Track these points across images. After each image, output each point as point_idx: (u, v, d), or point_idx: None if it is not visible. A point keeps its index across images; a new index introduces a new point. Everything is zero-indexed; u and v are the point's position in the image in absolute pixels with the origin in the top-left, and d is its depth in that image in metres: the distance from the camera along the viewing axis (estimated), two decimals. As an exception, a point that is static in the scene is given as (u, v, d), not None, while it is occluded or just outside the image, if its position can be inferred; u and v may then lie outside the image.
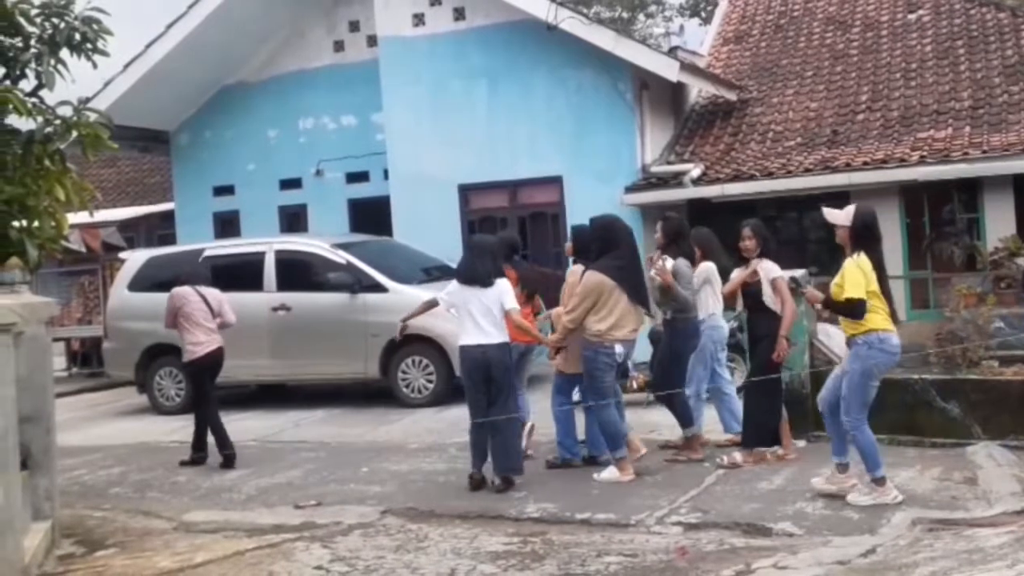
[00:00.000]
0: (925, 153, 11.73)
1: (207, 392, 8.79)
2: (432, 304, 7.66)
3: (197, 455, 8.72)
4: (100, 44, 6.74)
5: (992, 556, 4.66)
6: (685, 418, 7.66)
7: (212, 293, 8.94)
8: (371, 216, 14.30)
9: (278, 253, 11.61)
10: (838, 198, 12.39)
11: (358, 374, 11.23)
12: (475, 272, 7.22)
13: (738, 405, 7.96)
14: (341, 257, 11.25)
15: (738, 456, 7.31)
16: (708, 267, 7.86)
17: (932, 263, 12.15)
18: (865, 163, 11.90)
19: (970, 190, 11.95)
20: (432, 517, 6.55)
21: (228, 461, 8.53)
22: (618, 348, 7.08)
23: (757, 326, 7.37)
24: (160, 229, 17.27)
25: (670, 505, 6.37)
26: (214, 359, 8.75)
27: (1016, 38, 13.66)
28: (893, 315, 6.17)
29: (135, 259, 12.53)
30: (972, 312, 9.98)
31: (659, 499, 6.52)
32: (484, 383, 7.11)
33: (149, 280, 12.03)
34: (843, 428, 6.21)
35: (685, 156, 13.46)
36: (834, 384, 6.35)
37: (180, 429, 10.61)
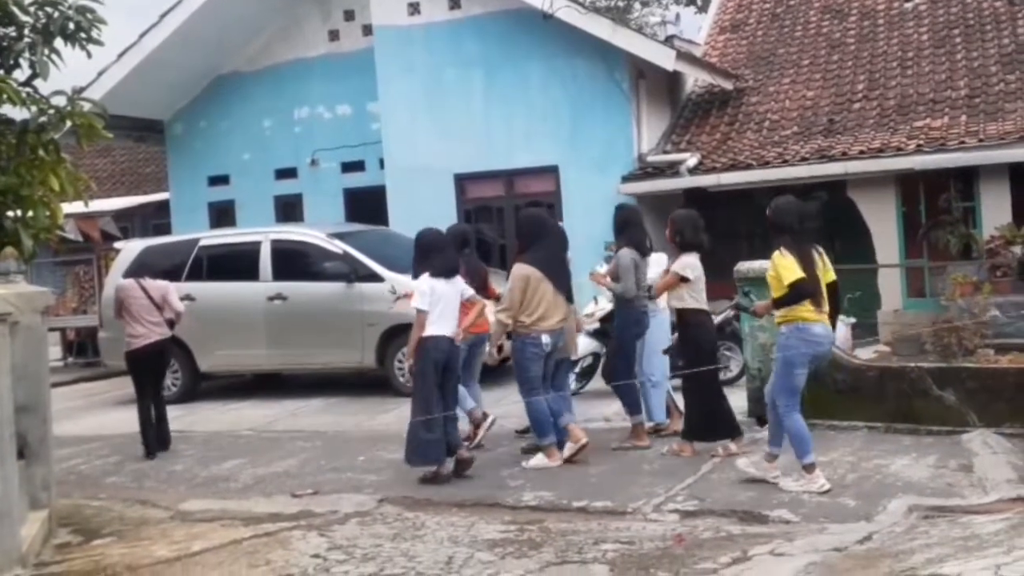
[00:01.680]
0: (921, 142, 11.72)
1: (143, 384, 8.85)
2: (424, 315, 7.23)
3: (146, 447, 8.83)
4: (94, 33, 6.70)
5: (988, 543, 4.67)
6: (631, 406, 7.79)
7: (156, 286, 9.01)
8: (367, 206, 14.28)
9: (274, 243, 11.59)
10: (834, 187, 12.46)
11: (354, 363, 11.23)
12: (451, 264, 7.34)
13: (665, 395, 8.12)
14: (337, 247, 11.24)
15: (675, 446, 7.42)
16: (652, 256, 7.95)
17: (928, 252, 12.16)
18: (861, 152, 11.90)
19: (966, 179, 11.95)
20: (429, 505, 6.57)
21: (148, 453, 8.70)
22: (545, 339, 7.24)
23: (684, 319, 7.41)
24: (155, 219, 17.24)
25: (667, 493, 6.38)
26: (151, 351, 8.80)
27: (1013, 27, 13.64)
28: (820, 303, 6.23)
29: (131, 249, 12.48)
30: (968, 301, 9.99)
31: (656, 487, 6.53)
32: (441, 374, 7.18)
33: (144, 270, 11.98)
34: (778, 419, 6.33)
35: (681, 145, 13.44)
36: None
37: (176, 418, 10.59)
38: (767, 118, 13.69)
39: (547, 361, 7.43)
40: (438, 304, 7.16)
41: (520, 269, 7.29)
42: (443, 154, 13.59)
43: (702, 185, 12.52)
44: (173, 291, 9.17)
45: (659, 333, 7.96)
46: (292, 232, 12.02)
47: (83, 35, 6.66)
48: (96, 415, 11.36)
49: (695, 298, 7.31)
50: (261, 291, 11.39)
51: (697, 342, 7.36)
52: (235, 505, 6.98)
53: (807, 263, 6.21)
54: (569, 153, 13.17)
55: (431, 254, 7.36)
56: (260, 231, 12.05)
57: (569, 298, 7.49)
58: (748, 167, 12.31)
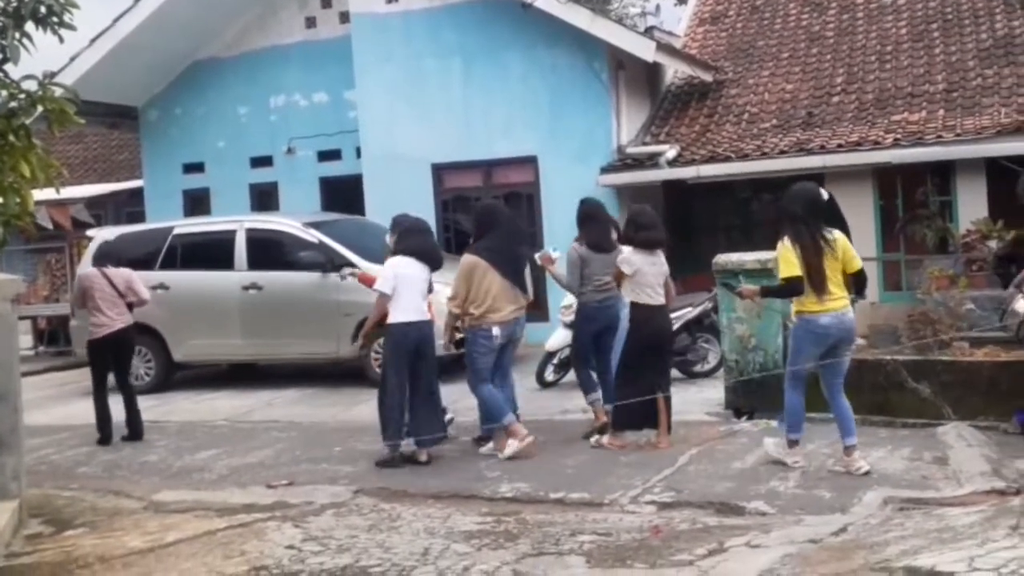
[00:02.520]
0: (899, 136, 11.79)
1: (103, 373, 8.86)
2: (386, 298, 7.26)
3: (101, 434, 8.86)
4: (66, 17, 6.57)
5: (962, 535, 4.69)
6: (586, 390, 7.90)
7: (120, 274, 8.97)
8: (343, 195, 14.20)
9: (249, 232, 11.49)
10: (812, 180, 12.46)
11: (330, 354, 11.16)
12: (431, 249, 7.37)
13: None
14: (313, 236, 11.15)
15: (604, 439, 7.45)
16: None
17: (905, 245, 12.23)
18: (840, 145, 11.95)
19: (943, 173, 12.03)
20: (405, 497, 6.53)
21: (104, 440, 8.76)
22: (495, 330, 7.28)
23: (631, 313, 7.45)
24: (128, 206, 17.07)
25: (644, 484, 6.38)
26: (115, 339, 8.81)
27: (991, 22, 13.72)
28: (821, 292, 6.21)
29: (103, 237, 12.34)
30: (944, 294, 10.05)
31: (633, 478, 6.52)
32: (413, 360, 7.19)
33: (108, 259, 11.84)
34: (845, 409, 6.39)
35: (661, 137, 13.45)
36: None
37: (149, 408, 10.49)
38: (746, 111, 13.71)
39: (505, 351, 7.49)
40: (404, 289, 7.13)
41: (467, 259, 7.34)
42: (420, 143, 13.52)
43: (681, 177, 12.53)
44: (137, 279, 9.13)
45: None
46: (267, 221, 11.93)
47: (55, 19, 6.53)
48: (67, 404, 11.23)
49: (636, 292, 7.31)
50: (236, 280, 11.30)
51: (635, 336, 7.37)
52: (209, 496, 6.92)
53: (809, 254, 6.17)
54: (548, 143, 13.14)
55: (409, 235, 7.36)
56: (235, 220, 11.95)
57: (523, 288, 7.49)
58: (727, 159, 12.33)
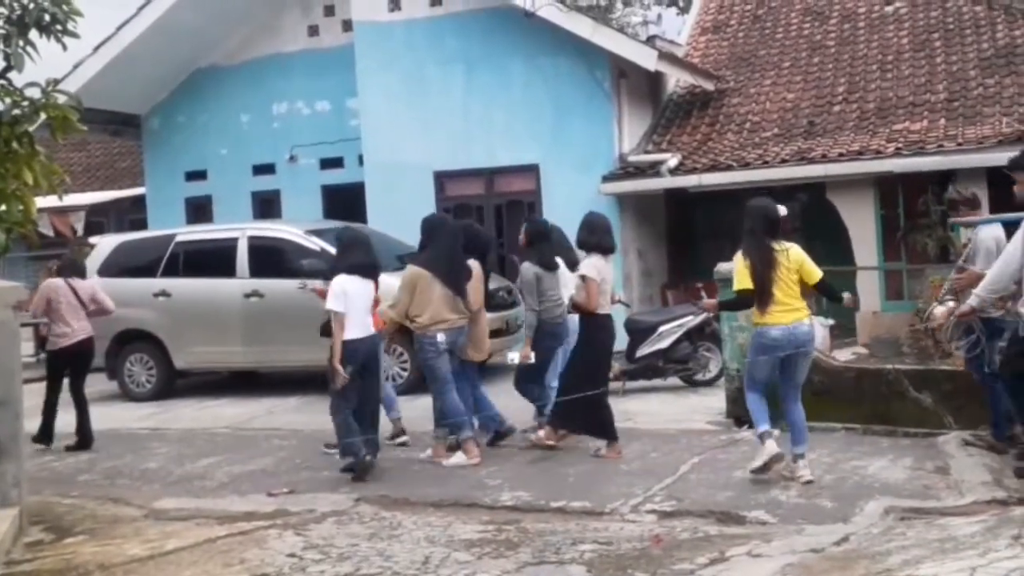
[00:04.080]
0: (900, 145, 11.78)
1: (59, 381, 9.02)
2: (340, 316, 7.30)
3: (78, 442, 9.01)
4: (70, 25, 6.60)
5: (964, 545, 4.68)
6: (539, 409, 7.98)
7: (84, 286, 9.15)
8: (345, 203, 14.19)
9: (251, 239, 11.49)
10: (814, 189, 12.50)
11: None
12: (371, 263, 7.50)
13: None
14: (315, 244, 11.15)
15: (542, 433, 7.65)
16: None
17: (906, 254, 12.23)
18: (841, 154, 11.95)
19: (944, 182, 12.01)
20: (406, 505, 6.52)
21: (45, 440, 8.90)
22: (440, 337, 7.48)
23: (584, 320, 7.57)
24: (131, 214, 17.08)
25: (645, 493, 6.37)
26: (76, 350, 8.98)
27: (992, 31, 13.74)
28: (768, 304, 6.33)
29: (105, 244, 12.37)
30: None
31: (634, 487, 6.52)
32: (361, 374, 7.30)
33: (119, 266, 11.91)
34: (799, 417, 6.52)
35: (662, 146, 13.45)
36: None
37: (151, 416, 10.54)
38: (748, 119, 13.72)
39: (451, 360, 7.62)
40: (351, 305, 7.23)
41: (410, 270, 7.59)
42: (423, 151, 13.54)
43: (683, 186, 12.54)
44: (100, 290, 9.36)
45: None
46: (269, 228, 11.92)
47: (59, 27, 6.56)
48: (68, 412, 11.11)
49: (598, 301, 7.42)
50: (238, 288, 11.30)
51: (591, 343, 7.51)
52: (210, 504, 6.91)
53: (758, 268, 6.32)
54: (550, 152, 13.15)
55: (349, 251, 7.51)
56: (237, 227, 11.96)
57: (463, 297, 7.63)
58: (729, 168, 12.33)
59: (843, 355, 9.65)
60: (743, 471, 6.74)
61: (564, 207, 12.81)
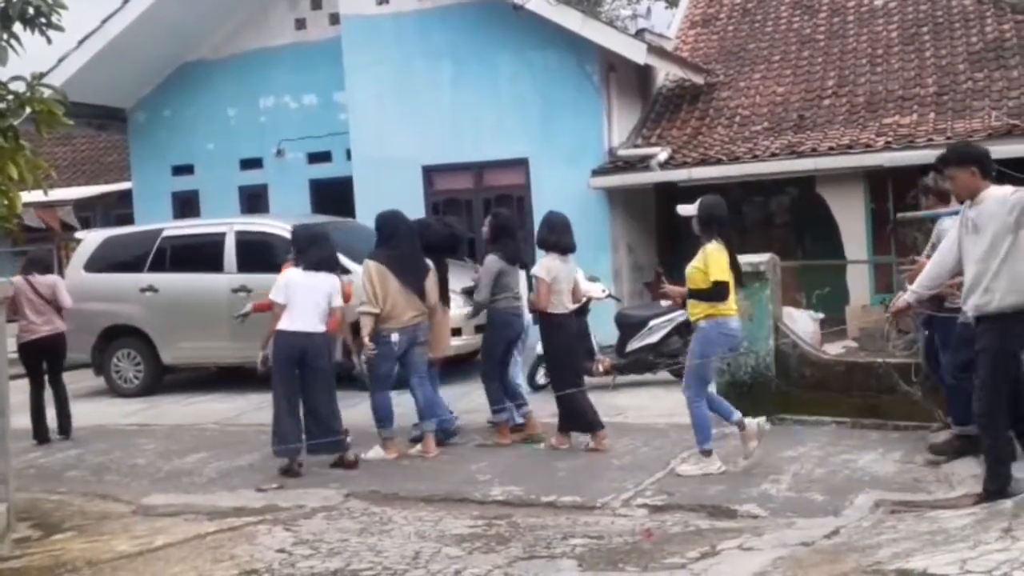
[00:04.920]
0: (890, 139, 11.80)
1: (36, 375, 9.15)
2: (280, 307, 7.41)
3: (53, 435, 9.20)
4: (54, 18, 6.53)
5: (954, 537, 4.69)
6: (495, 406, 7.99)
7: (44, 281, 9.23)
8: (333, 197, 14.15)
9: (238, 234, 11.43)
10: (803, 183, 12.51)
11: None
12: (329, 258, 7.57)
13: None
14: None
15: (554, 440, 7.63)
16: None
17: (896, 248, 12.24)
18: (831, 148, 11.95)
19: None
20: (396, 500, 6.51)
21: (39, 441, 9.04)
22: (395, 337, 7.53)
23: (542, 320, 7.63)
24: (117, 209, 17.00)
25: (636, 488, 6.36)
26: (44, 345, 9.12)
27: (981, 25, 13.76)
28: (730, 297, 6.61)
29: (92, 239, 12.29)
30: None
31: (625, 481, 6.51)
32: (297, 368, 7.31)
33: (106, 260, 11.84)
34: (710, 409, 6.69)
35: (652, 140, 13.44)
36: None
37: (138, 412, 10.49)
38: (738, 113, 13.72)
39: (407, 357, 7.69)
40: (297, 298, 7.28)
41: (368, 265, 7.58)
42: (411, 145, 13.49)
43: (673, 180, 12.52)
44: (62, 286, 9.43)
45: None
46: (257, 223, 11.86)
47: (43, 20, 6.49)
48: (54, 408, 11.14)
49: (552, 302, 7.46)
50: (225, 283, 11.24)
51: (552, 345, 7.60)
52: (199, 499, 6.89)
53: (733, 260, 6.57)
54: (539, 146, 13.12)
55: (309, 249, 7.55)
56: (225, 222, 11.89)
57: (421, 295, 7.67)
58: (719, 162, 12.33)
59: (833, 349, 9.65)
60: (733, 465, 6.75)
61: (553, 201, 12.77)
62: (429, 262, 7.88)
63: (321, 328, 7.40)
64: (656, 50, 13.18)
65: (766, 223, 13.15)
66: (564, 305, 7.54)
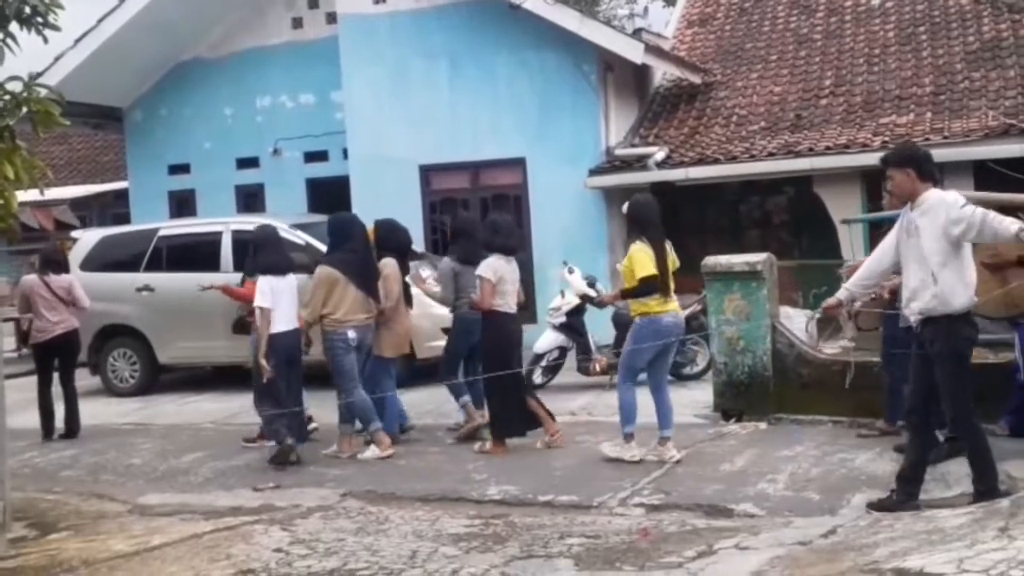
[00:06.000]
0: (887, 138, 11.78)
1: (47, 373, 9.26)
2: (268, 312, 7.62)
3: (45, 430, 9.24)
4: (51, 18, 6.52)
5: (951, 536, 4.68)
6: (457, 395, 8.11)
7: (60, 281, 9.26)
8: (330, 196, 14.11)
9: (235, 233, 11.41)
10: (800, 183, 12.51)
11: (317, 356, 11.07)
12: (287, 263, 7.81)
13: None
14: (299, 238, 11.08)
15: (488, 446, 7.64)
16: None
17: (892, 247, 12.24)
18: (828, 148, 11.96)
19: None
20: (392, 499, 6.50)
21: (46, 436, 9.14)
22: (351, 334, 7.65)
23: (484, 319, 7.67)
24: (114, 208, 16.98)
25: (632, 487, 6.36)
26: (58, 343, 9.18)
27: (978, 24, 13.77)
28: (667, 293, 6.84)
29: (88, 238, 12.28)
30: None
31: (622, 481, 6.51)
32: (287, 366, 7.62)
33: (102, 260, 11.82)
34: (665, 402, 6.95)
35: (649, 139, 13.43)
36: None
37: (134, 411, 10.48)
38: (735, 113, 13.72)
39: (358, 356, 7.79)
40: (277, 302, 7.54)
41: (321, 270, 7.73)
42: (408, 145, 13.47)
43: (670, 179, 12.51)
44: (78, 285, 9.45)
45: None
46: (253, 222, 11.80)
47: (39, 19, 6.47)
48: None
49: (495, 302, 7.49)
50: (222, 282, 11.20)
51: (491, 343, 7.60)
52: (195, 499, 6.88)
53: (660, 258, 6.76)
54: (536, 145, 13.10)
55: (261, 252, 7.78)
56: (221, 221, 11.88)
57: (375, 296, 7.78)
58: (716, 162, 12.32)
59: (830, 348, 9.65)
60: (731, 464, 6.76)
61: (550, 201, 12.84)
62: (392, 262, 8.02)
63: (297, 325, 7.75)
64: (653, 49, 13.17)
65: (763, 222, 13.15)
66: (509, 305, 7.58)
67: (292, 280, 7.82)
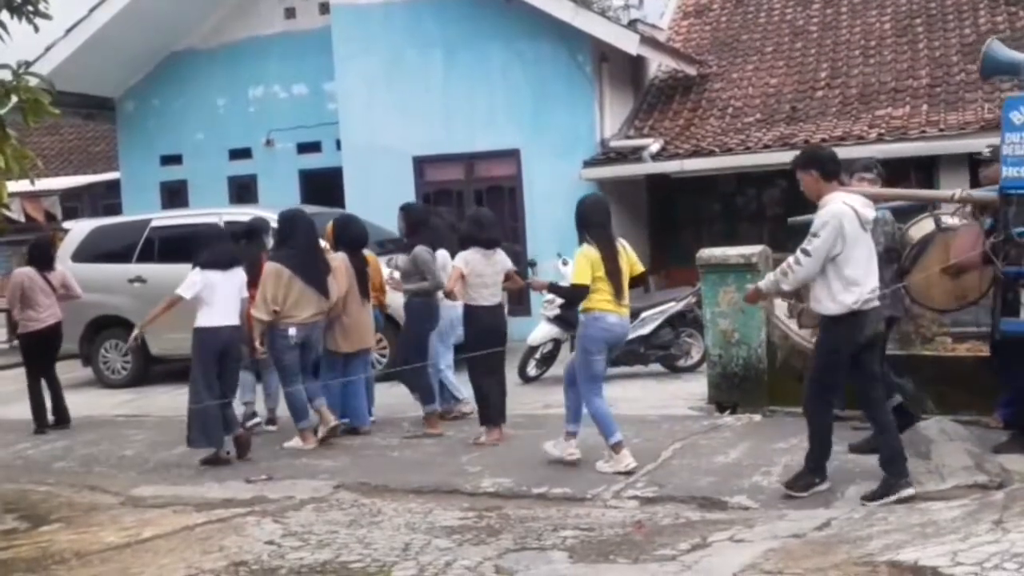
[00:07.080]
0: (883, 131, 11.78)
1: (37, 363, 9.29)
2: (176, 301, 7.65)
3: (38, 426, 9.21)
4: (42, 6, 6.48)
5: (945, 529, 4.69)
6: (424, 396, 8.07)
7: (55, 272, 9.41)
8: (323, 187, 14.09)
9: (228, 224, 11.35)
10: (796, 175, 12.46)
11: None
12: (228, 257, 7.71)
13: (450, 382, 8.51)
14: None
15: (483, 438, 7.61)
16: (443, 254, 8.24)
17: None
18: (823, 140, 11.90)
19: (927, 168, 12.04)
20: (386, 492, 6.48)
21: (39, 429, 9.11)
22: (292, 331, 7.68)
23: (464, 313, 7.67)
24: (105, 199, 16.90)
25: (626, 479, 6.35)
26: (48, 333, 9.26)
27: (974, 17, 13.76)
28: (619, 295, 6.54)
29: (79, 229, 12.22)
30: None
31: (615, 473, 6.48)
32: (217, 363, 7.50)
33: (94, 251, 11.76)
34: (577, 399, 6.67)
35: (644, 131, 13.39)
36: (573, 359, 6.86)
37: (126, 403, 10.45)
38: (730, 104, 13.69)
39: (305, 353, 7.84)
40: (212, 296, 7.46)
41: (269, 267, 7.69)
42: (402, 136, 13.43)
43: (665, 171, 12.50)
44: (70, 276, 9.61)
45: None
46: (246, 214, 11.77)
47: (30, 8, 6.43)
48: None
49: (471, 295, 7.50)
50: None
51: (471, 336, 7.62)
52: (188, 491, 6.85)
53: (609, 258, 6.51)
54: (531, 137, 13.07)
55: (203, 247, 7.72)
56: (213, 212, 11.80)
57: (323, 292, 7.78)
58: (711, 154, 12.30)
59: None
60: (725, 456, 6.74)
61: (545, 192, 12.80)
62: (343, 255, 8.02)
63: (238, 322, 7.67)
64: (649, 41, 13.13)
65: (758, 215, 13.13)
66: (484, 298, 7.53)
67: (237, 275, 7.72)
